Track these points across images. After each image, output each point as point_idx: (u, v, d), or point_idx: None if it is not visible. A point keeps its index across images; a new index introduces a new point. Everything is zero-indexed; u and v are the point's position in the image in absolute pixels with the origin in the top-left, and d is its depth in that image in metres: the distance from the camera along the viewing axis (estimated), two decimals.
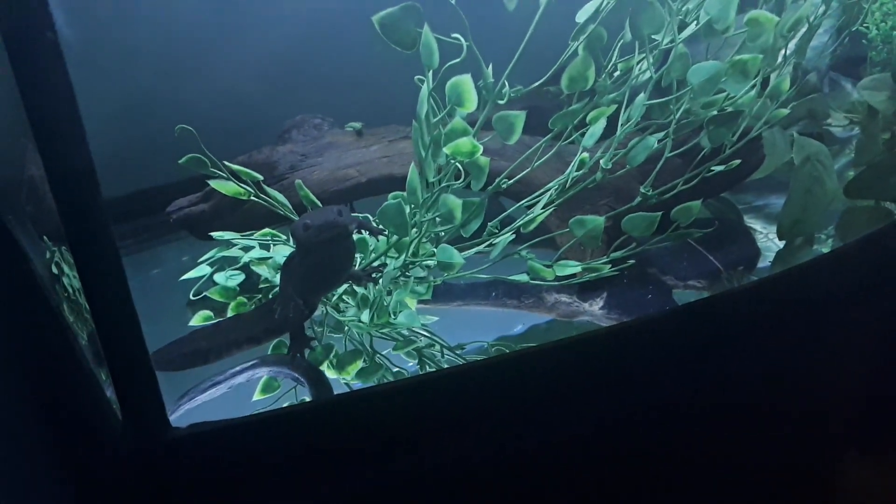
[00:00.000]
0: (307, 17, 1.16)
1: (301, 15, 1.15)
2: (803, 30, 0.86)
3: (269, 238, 0.94)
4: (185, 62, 1.12)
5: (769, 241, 1.05)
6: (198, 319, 0.91)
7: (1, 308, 0.94)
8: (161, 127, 1.09)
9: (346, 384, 0.82)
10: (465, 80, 0.71)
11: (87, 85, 0.58)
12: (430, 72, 0.72)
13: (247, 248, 0.94)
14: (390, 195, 0.85)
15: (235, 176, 0.87)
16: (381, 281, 0.83)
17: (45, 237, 0.87)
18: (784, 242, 1.01)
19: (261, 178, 0.88)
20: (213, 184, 0.86)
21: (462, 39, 0.71)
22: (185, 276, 0.95)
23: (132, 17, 1.10)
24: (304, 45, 1.14)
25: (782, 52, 0.85)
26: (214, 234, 0.96)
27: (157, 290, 1.04)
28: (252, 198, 0.87)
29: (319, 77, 1.16)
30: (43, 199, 0.84)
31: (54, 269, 0.85)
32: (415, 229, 0.81)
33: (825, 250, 1.03)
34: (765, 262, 1.02)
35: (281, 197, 0.88)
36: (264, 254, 0.94)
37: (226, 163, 0.85)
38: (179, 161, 0.82)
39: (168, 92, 1.08)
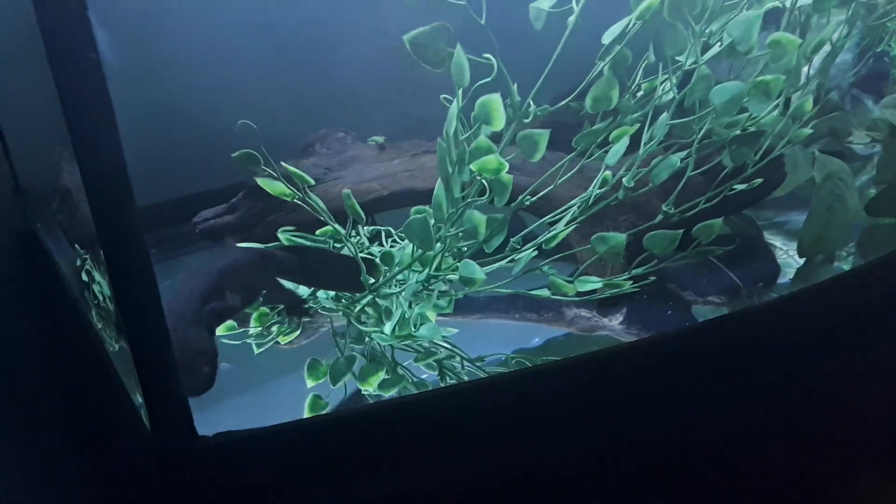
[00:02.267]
0: (333, 33, 1.17)
1: (327, 31, 1.17)
2: (827, 50, 0.86)
3: None
4: (215, 76, 1.14)
5: (789, 257, 1.05)
6: (222, 329, 0.92)
7: (32, 315, 0.96)
8: (190, 138, 1.11)
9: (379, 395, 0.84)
10: (495, 99, 0.73)
11: (119, 96, 0.60)
12: (461, 90, 0.73)
13: None
14: (413, 209, 0.86)
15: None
16: (403, 294, 0.84)
17: (75, 245, 0.89)
18: (804, 259, 1.01)
19: (312, 182, 0.89)
20: (260, 182, 0.87)
21: (493, 59, 0.72)
22: None
23: (164, 31, 1.12)
24: (330, 60, 1.15)
25: (805, 71, 0.85)
26: (240, 246, 0.97)
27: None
28: (297, 201, 0.87)
29: (343, 91, 1.18)
30: (75, 208, 0.85)
31: (84, 277, 0.87)
32: (439, 244, 0.82)
33: (846, 268, 1.03)
34: (785, 278, 1.02)
35: (322, 204, 0.89)
36: None
37: (283, 163, 0.85)
38: (232, 155, 0.82)
39: (198, 105, 1.10)
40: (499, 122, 0.74)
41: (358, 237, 1.03)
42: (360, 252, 0.99)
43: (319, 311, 0.94)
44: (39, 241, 1.02)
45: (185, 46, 1.13)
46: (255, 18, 1.14)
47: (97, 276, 0.83)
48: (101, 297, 0.82)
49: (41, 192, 1.02)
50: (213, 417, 0.80)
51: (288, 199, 0.87)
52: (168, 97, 1.13)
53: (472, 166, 0.74)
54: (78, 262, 0.88)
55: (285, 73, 1.15)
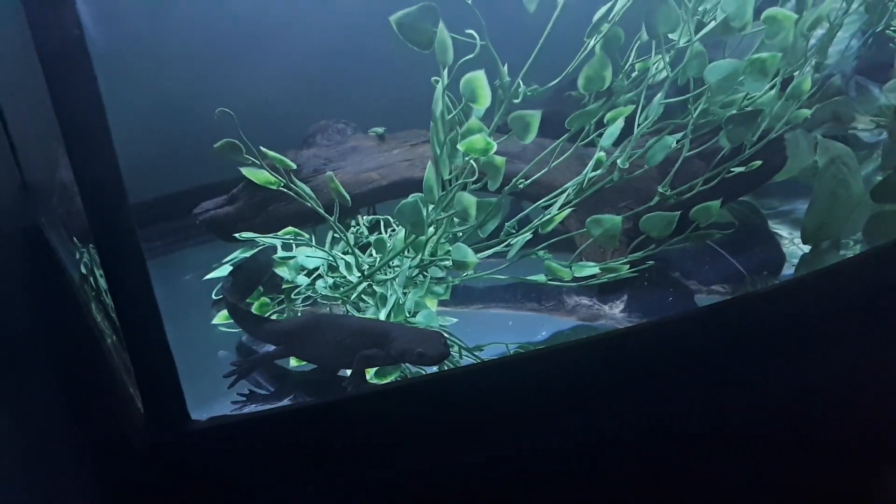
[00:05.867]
0: (334, 23, 1.18)
1: (328, 21, 1.17)
2: (825, 28, 0.85)
3: (292, 237, 0.95)
4: (214, 68, 1.15)
5: (795, 246, 1.03)
6: (220, 318, 0.92)
7: (36, 307, 0.98)
8: (190, 132, 1.12)
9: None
10: (479, 76, 0.72)
11: (119, 90, 0.60)
12: (446, 70, 0.73)
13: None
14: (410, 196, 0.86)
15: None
16: (397, 279, 0.84)
17: (74, 238, 0.90)
18: (810, 247, 1.00)
19: (294, 166, 0.89)
20: (244, 171, 0.87)
21: (477, 37, 0.72)
22: (208, 276, 0.97)
23: (162, 24, 1.13)
24: (331, 52, 1.16)
25: (804, 50, 0.84)
26: (239, 235, 0.97)
27: (184, 291, 1.06)
28: (282, 188, 0.87)
29: (345, 83, 1.18)
30: (73, 202, 0.86)
31: (83, 269, 0.87)
32: (432, 228, 0.82)
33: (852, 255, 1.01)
34: (790, 268, 1.01)
35: (309, 190, 0.89)
36: (287, 254, 0.95)
37: (262, 148, 0.85)
38: (214, 146, 0.83)
39: (197, 98, 1.10)
40: (484, 100, 0.73)
41: (357, 227, 1.03)
42: (358, 241, 1.00)
43: (318, 299, 0.94)
44: (44, 235, 1.03)
45: (188, 40, 1.14)
46: (256, 11, 1.15)
47: (95, 269, 0.83)
48: (97, 289, 0.83)
49: (45, 188, 1.03)
50: (208, 402, 0.80)
51: (284, 190, 0.87)
52: (174, 90, 1.14)
53: (459, 146, 0.74)
54: (77, 255, 0.89)
55: (286, 65, 1.16)
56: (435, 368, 0.84)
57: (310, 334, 0.80)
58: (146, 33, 1.14)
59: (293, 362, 0.85)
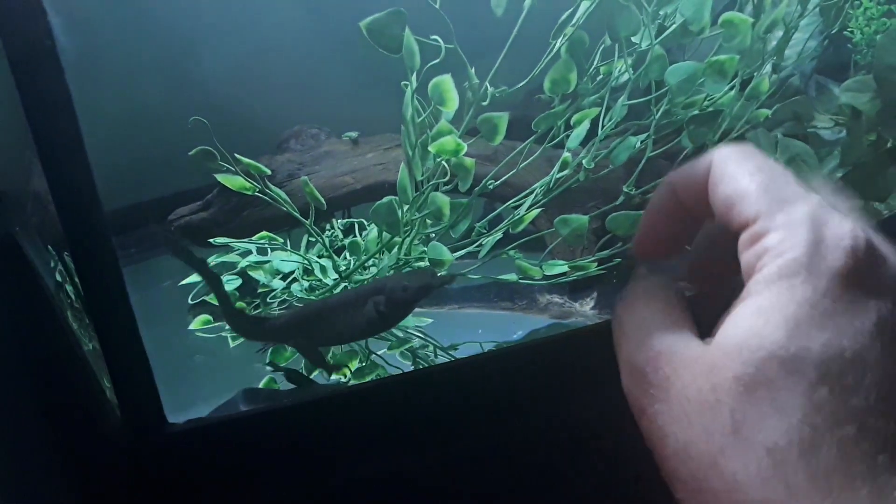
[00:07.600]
0: (307, 29, 1.19)
1: (301, 27, 1.19)
2: (781, 32, 0.88)
3: (266, 241, 0.96)
4: (186, 76, 1.15)
5: None
6: (197, 324, 0.93)
7: (9, 313, 0.97)
8: (164, 139, 1.12)
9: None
10: (446, 80, 0.74)
11: (91, 98, 0.61)
12: (414, 74, 0.75)
13: (245, 254, 0.97)
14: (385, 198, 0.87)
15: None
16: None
17: (49, 247, 0.90)
18: None
19: (269, 171, 0.90)
20: (219, 178, 0.88)
21: (441, 42, 0.73)
22: (183, 282, 0.97)
23: (134, 32, 1.13)
24: (303, 57, 1.17)
25: (761, 52, 0.87)
26: (214, 241, 0.98)
27: (160, 297, 1.06)
28: (257, 193, 0.88)
29: (317, 87, 1.19)
30: (47, 211, 0.87)
31: (58, 277, 0.88)
32: (406, 228, 0.84)
33: None
34: None
35: (284, 195, 0.91)
36: (261, 258, 0.96)
37: (236, 155, 0.86)
38: (189, 153, 0.84)
39: (170, 105, 1.11)
40: (452, 104, 0.75)
41: (332, 230, 1.04)
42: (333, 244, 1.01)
43: (294, 302, 0.95)
44: (18, 245, 1.03)
45: (164, 47, 1.15)
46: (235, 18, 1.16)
47: (70, 276, 0.84)
48: (73, 297, 0.83)
49: (18, 196, 1.03)
50: (185, 406, 0.81)
51: (259, 195, 0.88)
52: (147, 98, 1.15)
53: (430, 148, 0.75)
54: (52, 263, 0.89)
55: (258, 71, 1.16)
56: (411, 368, 0.86)
57: (317, 319, 0.80)
58: (118, 41, 1.15)
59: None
